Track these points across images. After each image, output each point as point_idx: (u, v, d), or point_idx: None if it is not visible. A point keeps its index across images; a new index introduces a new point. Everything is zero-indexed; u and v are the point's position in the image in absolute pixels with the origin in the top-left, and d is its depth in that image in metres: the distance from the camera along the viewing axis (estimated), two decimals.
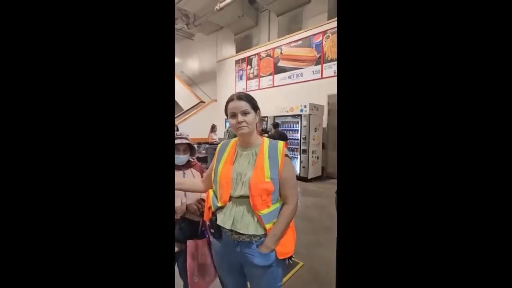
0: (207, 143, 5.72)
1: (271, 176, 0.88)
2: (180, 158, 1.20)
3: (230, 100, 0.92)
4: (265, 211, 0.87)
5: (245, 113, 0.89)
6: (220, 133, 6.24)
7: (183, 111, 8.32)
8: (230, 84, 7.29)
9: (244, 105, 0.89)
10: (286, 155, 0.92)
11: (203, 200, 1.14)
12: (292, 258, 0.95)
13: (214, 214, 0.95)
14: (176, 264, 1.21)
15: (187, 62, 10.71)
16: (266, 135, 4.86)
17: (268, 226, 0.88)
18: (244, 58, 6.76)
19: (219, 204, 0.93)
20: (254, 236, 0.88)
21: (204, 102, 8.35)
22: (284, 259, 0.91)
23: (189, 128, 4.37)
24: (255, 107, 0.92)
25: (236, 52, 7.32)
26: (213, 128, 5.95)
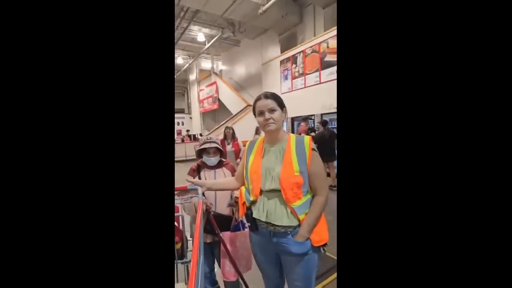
0: None
1: (300, 170, 0.91)
2: (211, 160, 1.34)
3: (258, 99, 0.99)
4: (297, 203, 0.92)
5: (272, 110, 0.94)
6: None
7: (232, 115, 8.73)
8: (276, 84, 7.29)
9: (270, 103, 0.96)
10: (313, 149, 0.94)
11: (237, 198, 1.21)
12: (326, 247, 0.96)
13: (249, 208, 1.01)
14: (214, 253, 1.34)
15: (235, 68, 11.22)
16: (313, 133, 4.65)
17: (301, 217, 0.92)
18: (289, 57, 6.66)
19: (252, 198, 0.99)
20: (289, 227, 0.93)
21: (251, 105, 8.58)
22: (319, 247, 0.95)
23: (237, 131, 4.59)
24: (281, 105, 0.98)
25: (281, 52, 7.29)
26: (257, 130, 6.05)
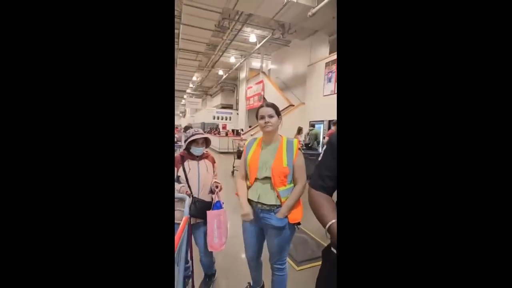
0: None
1: (287, 163, 1.23)
2: (199, 150, 1.49)
3: (261, 106, 1.31)
4: (282, 188, 1.24)
5: (270, 116, 1.26)
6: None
7: None
8: (319, 86, 7.26)
9: (270, 110, 1.27)
10: (299, 149, 1.27)
11: (217, 182, 1.52)
12: (299, 225, 1.27)
13: None
14: (192, 233, 1.48)
15: (283, 68, 11.44)
16: None
17: (283, 199, 1.24)
18: (334, 60, 6.57)
19: (248, 184, 1.32)
20: (273, 205, 1.25)
21: (293, 105, 8.71)
22: (293, 224, 1.27)
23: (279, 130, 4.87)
24: (278, 113, 1.29)
25: (330, 53, 7.20)
26: (300, 131, 6.27)
